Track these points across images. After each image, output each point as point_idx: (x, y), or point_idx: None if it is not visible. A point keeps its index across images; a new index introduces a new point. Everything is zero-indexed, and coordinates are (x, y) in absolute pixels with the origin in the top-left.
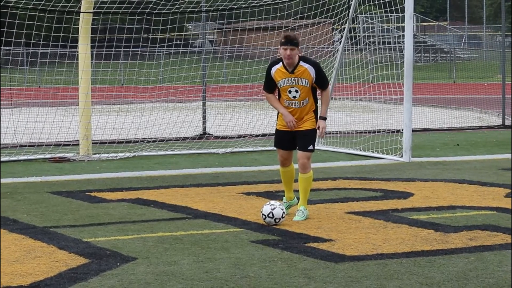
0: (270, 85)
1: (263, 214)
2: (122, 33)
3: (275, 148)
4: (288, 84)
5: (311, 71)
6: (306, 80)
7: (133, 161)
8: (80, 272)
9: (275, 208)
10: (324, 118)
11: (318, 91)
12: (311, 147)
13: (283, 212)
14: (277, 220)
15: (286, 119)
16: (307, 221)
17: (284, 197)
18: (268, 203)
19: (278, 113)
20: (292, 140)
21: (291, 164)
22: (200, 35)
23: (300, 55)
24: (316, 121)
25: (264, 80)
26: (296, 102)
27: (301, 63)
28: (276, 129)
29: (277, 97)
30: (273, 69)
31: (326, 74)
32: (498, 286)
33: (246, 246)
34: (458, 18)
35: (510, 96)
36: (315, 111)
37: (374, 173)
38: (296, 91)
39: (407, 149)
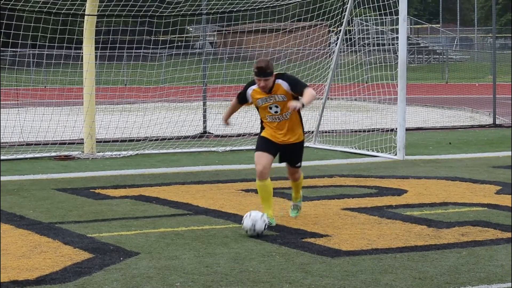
0: (243, 99)
1: (244, 228)
2: (125, 35)
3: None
4: (266, 102)
5: (284, 85)
6: (283, 95)
7: (136, 159)
8: (85, 266)
9: (256, 221)
10: (302, 104)
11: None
12: (299, 164)
13: (265, 225)
14: (259, 233)
15: (223, 118)
16: (304, 217)
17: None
18: (249, 216)
19: (261, 124)
20: (276, 149)
21: (268, 177)
22: (201, 37)
23: (275, 73)
24: (303, 134)
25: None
26: (279, 116)
27: (276, 81)
28: (261, 135)
29: (235, 107)
30: (250, 90)
31: (323, 75)
32: (489, 280)
33: (245, 241)
34: (450, 20)
35: (501, 96)
36: (302, 125)
37: (369, 170)
38: (276, 106)
39: (401, 147)
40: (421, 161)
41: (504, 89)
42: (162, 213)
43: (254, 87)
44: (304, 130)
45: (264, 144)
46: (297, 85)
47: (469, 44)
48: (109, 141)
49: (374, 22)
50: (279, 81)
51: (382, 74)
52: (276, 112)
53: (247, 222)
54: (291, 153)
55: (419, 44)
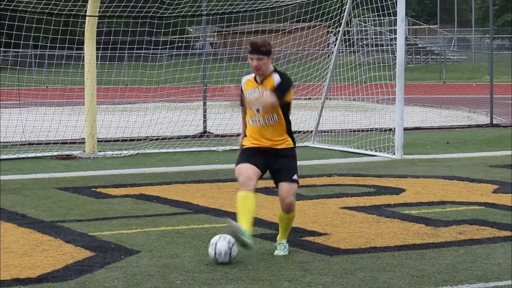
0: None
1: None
2: (126, 36)
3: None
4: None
5: (276, 79)
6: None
7: (137, 158)
8: (86, 264)
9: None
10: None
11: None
12: (295, 176)
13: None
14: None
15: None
16: (303, 216)
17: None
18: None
19: (244, 132)
20: (264, 161)
21: (252, 189)
22: (201, 38)
23: (277, 69)
24: (294, 143)
25: None
26: (260, 118)
27: (273, 74)
28: (245, 147)
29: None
30: (244, 79)
31: (321, 75)
32: (486, 278)
33: None
34: (448, 21)
35: (498, 96)
36: (290, 135)
37: (368, 169)
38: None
39: (399, 147)
40: (419, 160)
41: (501, 89)
42: (162, 212)
43: (249, 76)
44: (295, 142)
45: (245, 155)
46: (282, 86)
47: (467, 44)
48: (110, 141)
49: (372, 23)
50: (274, 75)
51: (381, 74)
52: (258, 110)
53: (219, 249)
54: (281, 162)
55: (417, 45)
